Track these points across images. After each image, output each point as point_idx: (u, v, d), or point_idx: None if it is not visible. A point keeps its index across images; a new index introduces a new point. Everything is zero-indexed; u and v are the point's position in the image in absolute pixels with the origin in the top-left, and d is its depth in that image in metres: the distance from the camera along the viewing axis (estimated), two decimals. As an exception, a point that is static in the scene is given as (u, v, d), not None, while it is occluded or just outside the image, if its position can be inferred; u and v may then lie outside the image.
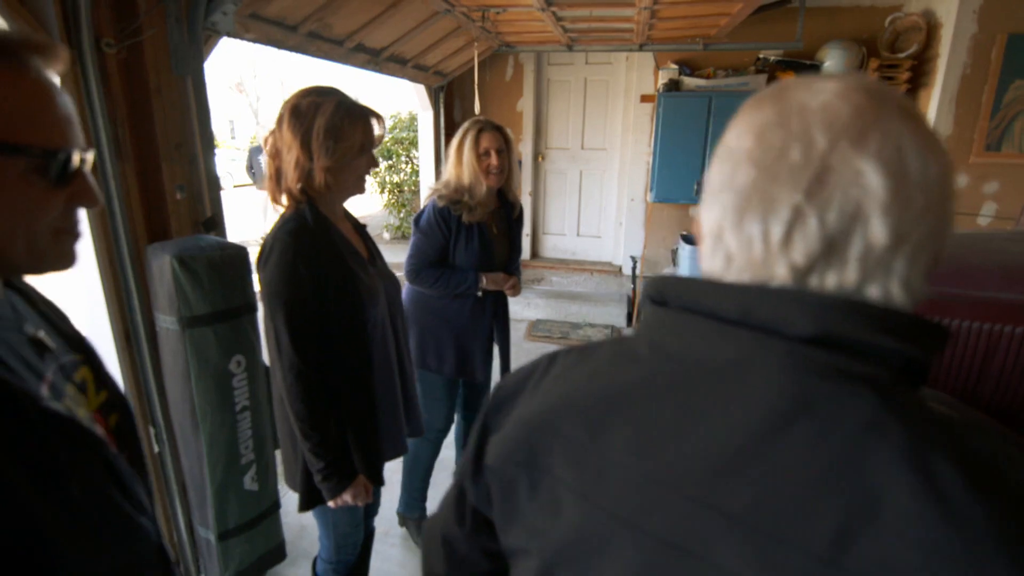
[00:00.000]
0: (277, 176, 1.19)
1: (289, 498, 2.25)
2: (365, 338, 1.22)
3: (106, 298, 1.63)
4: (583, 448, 0.43)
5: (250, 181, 7.96)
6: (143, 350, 1.67)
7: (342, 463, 1.20)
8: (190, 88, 1.84)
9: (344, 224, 1.32)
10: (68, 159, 0.52)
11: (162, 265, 1.53)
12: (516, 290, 2.03)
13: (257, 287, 1.25)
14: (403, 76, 3.67)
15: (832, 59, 3.89)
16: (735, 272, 0.42)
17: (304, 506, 1.28)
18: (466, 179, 1.89)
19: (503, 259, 2.02)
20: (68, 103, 0.54)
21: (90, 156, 0.56)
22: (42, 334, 0.58)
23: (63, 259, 0.55)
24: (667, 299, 0.45)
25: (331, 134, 1.14)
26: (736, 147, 0.42)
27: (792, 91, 0.42)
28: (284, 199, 1.21)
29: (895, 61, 3.76)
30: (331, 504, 1.23)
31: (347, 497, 1.22)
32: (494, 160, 1.88)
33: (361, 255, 1.29)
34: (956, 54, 3.47)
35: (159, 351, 1.64)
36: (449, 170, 1.94)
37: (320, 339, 1.15)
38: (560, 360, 0.52)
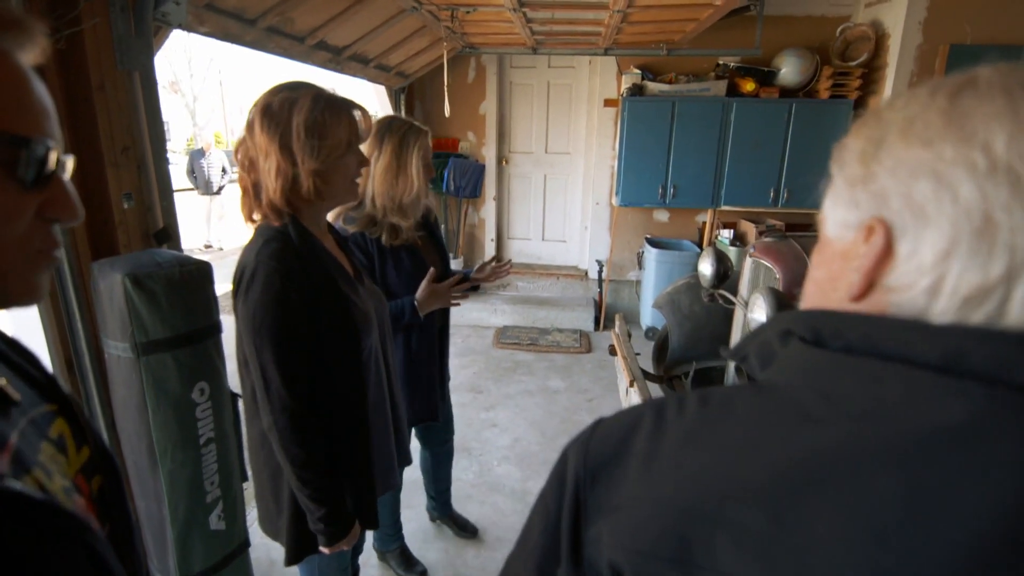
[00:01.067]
0: (255, 190, 1.04)
1: (258, 533, 2.08)
2: (360, 369, 1.09)
3: (43, 323, 1.44)
4: (765, 538, 0.34)
5: (190, 186, 7.50)
6: (89, 381, 1.48)
7: (342, 508, 1.07)
8: (138, 85, 1.65)
9: (328, 239, 1.19)
10: (45, 154, 0.41)
11: (112, 285, 1.35)
12: (499, 274, 1.80)
13: (223, 317, 1.10)
14: (364, 76, 3.52)
15: (788, 66, 4.01)
16: (944, 310, 0.34)
17: (292, 559, 1.15)
18: (406, 196, 1.59)
19: (440, 274, 1.74)
20: (45, 92, 0.42)
21: (70, 160, 0.44)
22: (3, 382, 0.45)
23: (30, 290, 0.43)
24: (824, 339, 0.37)
25: (313, 131, 1.00)
26: (952, 157, 0.33)
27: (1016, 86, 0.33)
28: (258, 216, 1.07)
29: (847, 69, 3.90)
30: (326, 551, 1.11)
31: (343, 544, 1.09)
32: (431, 171, 1.65)
33: (349, 274, 1.16)
34: (903, 63, 3.64)
35: (108, 382, 1.45)
36: (373, 186, 1.59)
37: (313, 374, 1.01)
38: (675, 416, 0.42)
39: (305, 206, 1.06)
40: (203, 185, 7.38)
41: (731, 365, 2.43)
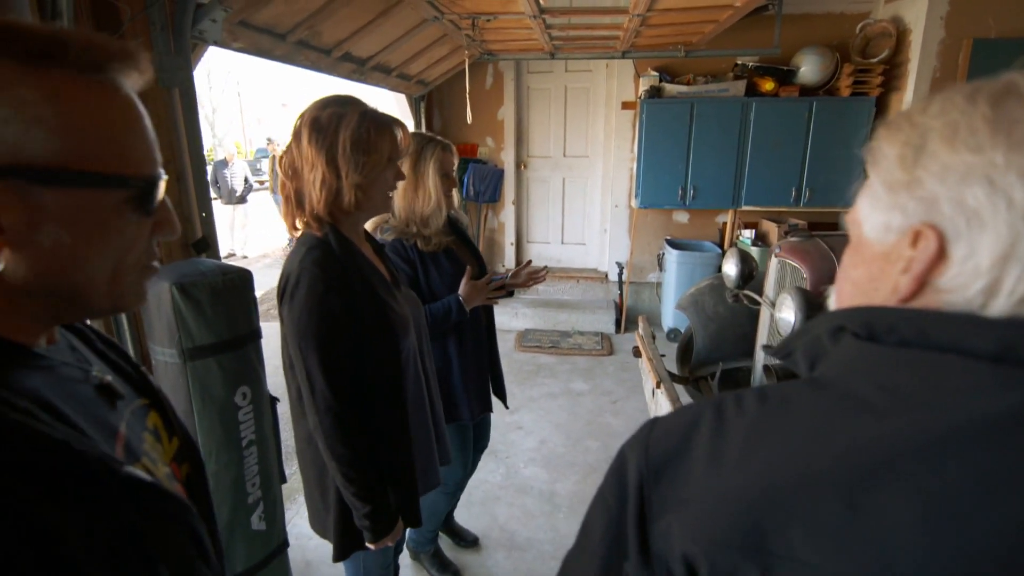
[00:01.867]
0: (297, 198, 1.09)
1: (295, 534, 2.13)
2: (399, 371, 1.13)
3: (94, 330, 1.49)
4: (840, 525, 0.35)
5: (214, 196, 7.69)
6: (137, 386, 1.53)
7: (386, 505, 1.10)
8: (177, 101, 1.71)
9: (366, 247, 1.23)
10: (157, 187, 0.46)
11: (159, 293, 1.40)
12: (534, 279, 1.83)
13: (269, 322, 1.14)
14: (386, 86, 3.58)
15: (808, 64, 3.98)
16: (1000, 309, 0.36)
17: (340, 555, 1.18)
18: (425, 208, 1.63)
19: (477, 272, 1.80)
20: (150, 122, 0.45)
21: (165, 179, 0.48)
22: (110, 379, 0.50)
23: (139, 297, 0.48)
24: (877, 334, 0.39)
25: (359, 147, 1.04)
26: (1004, 163, 0.35)
27: None
28: (300, 224, 1.11)
29: (867, 66, 3.86)
30: (372, 547, 1.14)
31: (387, 540, 1.13)
32: (452, 183, 1.69)
33: (387, 280, 1.20)
34: (926, 59, 3.59)
35: (156, 386, 1.51)
36: (396, 198, 1.63)
37: (355, 377, 1.05)
38: (735, 413, 0.43)
39: (344, 216, 1.10)
40: (227, 195, 7.53)
41: (758, 365, 2.42)
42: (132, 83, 0.45)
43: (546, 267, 1.91)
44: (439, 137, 1.72)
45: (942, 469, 0.34)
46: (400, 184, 1.62)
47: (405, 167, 1.63)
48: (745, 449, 0.41)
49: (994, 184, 0.35)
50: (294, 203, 1.08)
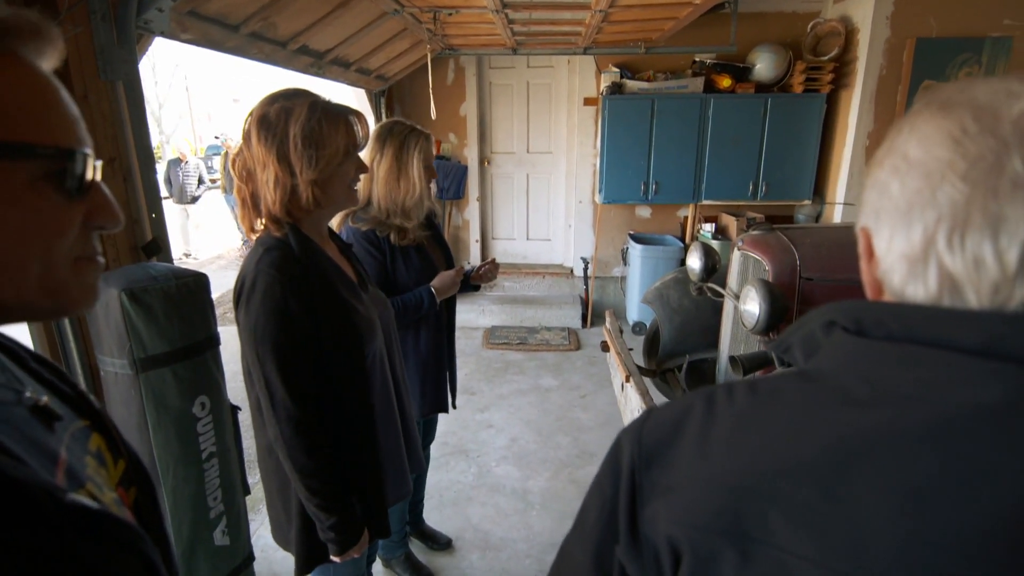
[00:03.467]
0: (253, 201, 1.03)
1: (260, 547, 2.05)
2: (365, 376, 1.09)
3: (34, 342, 1.39)
4: (817, 511, 0.37)
5: (167, 195, 7.37)
6: (84, 399, 1.44)
7: (352, 516, 1.06)
8: (122, 95, 1.61)
9: (330, 246, 1.18)
10: (86, 163, 0.41)
11: (107, 301, 1.31)
12: (491, 273, 1.84)
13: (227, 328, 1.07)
14: (345, 80, 3.48)
15: (762, 62, 4.08)
16: (966, 296, 0.37)
17: (303, 569, 1.13)
18: (409, 199, 1.62)
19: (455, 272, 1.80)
20: (71, 100, 0.42)
21: (100, 164, 0.44)
22: (46, 399, 0.45)
23: (86, 295, 0.44)
24: (866, 328, 0.40)
25: (310, 141, 0.99)
26: (924, 159, 0.39)
27: (975, 95, 0.38)
28: (259, 225, 1.06)
29: (818, 63, 3.99)
30: (337, 560, 1.10)
31: (353, 552, 1.08)
32: (433, 174, 1.69)
33: (352, 281, 1.16)
34: (873, 57, 3.73)
35: (105, 399, 1.42)
36: (377, 189, 1.63)
37: (317, 383, 1.00)
38: (725, 403, 0.44)
39: (304, 215, 1.05)
40: (178, 193, 7.22)
41: (723, 356, 2.47)
42: (45, 58, 0.42)
43: (493, 258, 1.91)
44: (420, 127, 1.70)
45: (921, 461, 0.34)
46: (382, 174, 1.64)
47: (388, 157, 1.62)
48: (732, 438, 0.42)
49: (910, 177, 0.39)
50: (250, 206, 1.02)
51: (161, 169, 7.51)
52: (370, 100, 4.14)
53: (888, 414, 0.36)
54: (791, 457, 0.39)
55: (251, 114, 1.02)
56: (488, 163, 5.04)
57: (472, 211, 5.04)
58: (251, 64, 2.51)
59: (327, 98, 1.07)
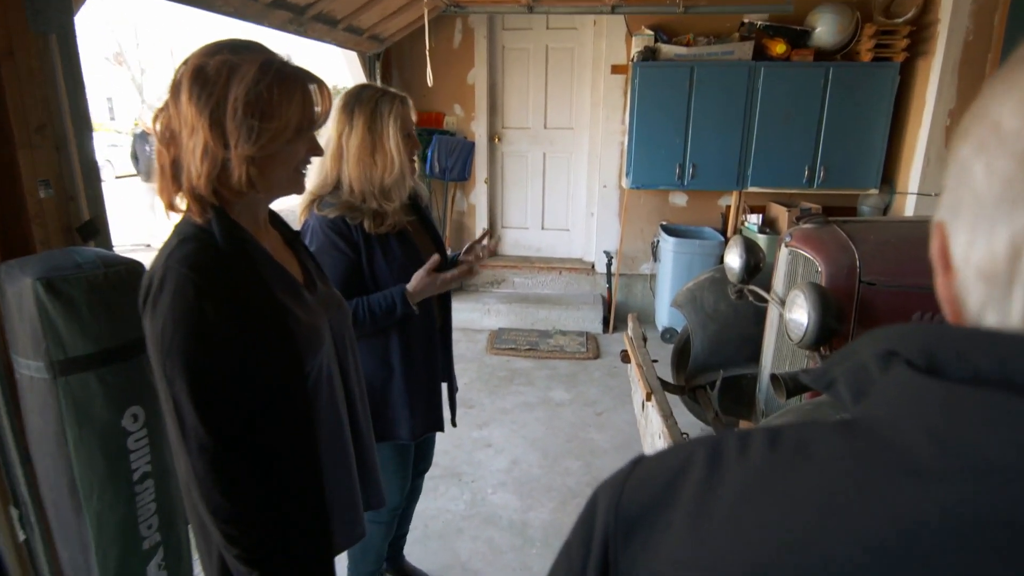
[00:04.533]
0: (173, 169, 0.96)
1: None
2: (305, 397, 1.02)
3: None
4: None
5: (135, 172, 7.42)
6: (-3, 406, 1.40)
7: (281, 571, 0.98)
8: (55, 50, 1.57)
9: (269, 236, 1.11)
10: None
11: (21, 291, 1.27)
12: (470, 271, 1.73)
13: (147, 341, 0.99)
14: (331, 41, 3.44)
15: (823, 25, 3.95)
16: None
17: None
18: (387, 176, 1.57)
19: (443, 267, 1.71)
20: None
21: None
22: None
23: None
24: (940, 364, 0.32)
25: (255, 108, 0.92)
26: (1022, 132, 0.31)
27: None
28: (182, 202, 0.98)
29: (891, 27, 3.85)
30: None
31: None
32: (415, 144, 1.62)
33: (294, 280, 1.08)
34: (958, 19, 3.57)
35: (20, 407, 1.38)
36: (348, 169, 1.57)
37: (241, 407, 0.93)
38: (735, 459, 0.38)
39: (235, 198, 0.99)
40: (146, 171, 7.27)
41: (764, 373, 2.37)
42: None
43: (486, 230, 1.83)
44: (393, 89, 1.63)
45: (993, 564, 0.27)
46: (354, 150, 1.57)
47: (358, 127, 1.55)
48: (740, 509, 0.36)
49: (1003, 159, 0.32)
50: (169, 176, 0.95)
51: (128, 143, 7.59)
52: (363, 65, 4.11)
53: (963, 492, 0.29)
54: (817, 551, 0.31)
55: (185, 63, 0.95)
56: (499, 140, 5.00)
57: (479, 194, 5.00)
58: (237, 22, 2.46)
59: (286, 57, 1.00)
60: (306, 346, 1.01)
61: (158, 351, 0.89)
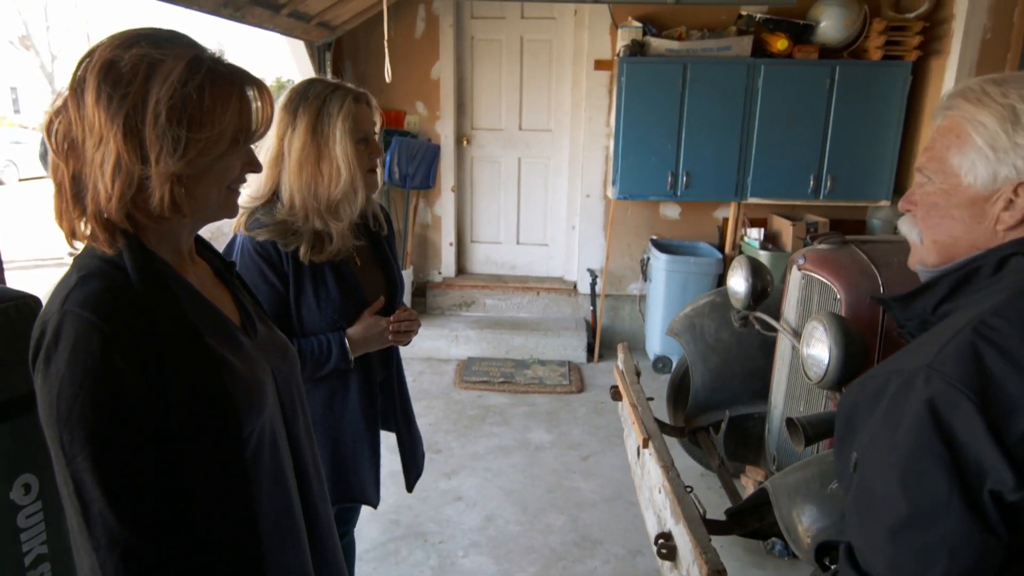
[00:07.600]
0: (74, 188, 0.87)
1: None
2: (244, 471, 0.94)
3: None
4: None
5: (45, 173, 7.23)
6: None
7: None
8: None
9: (196, 268, 1.03)
10: None
11: None
12: (409, 333, 1.63)
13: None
14: (274, 28, 3.41)
15: (829, 19, 4.04)
16: None
17: None
18: (333, 189, 1.48)
19: (388, 303, 1.65)
20: None
21: None
22: None
23: None
24: None
25: (181, 115, 0.85)
26: None
27: None
28: (87, 228, 0.89)
29: (902, 23, 3.95)
30: None
31: None
32: (375, 150, 1.55)
33: (229, 321, 1.00)
34: (974, 15, 3.67)
35: None
36: (288, 178, 1.49)
37: (162, 488, 0.85)
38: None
39: (154, 223, 0.90)
40: (59, 174, 7.10)
41: (774, 414, 2.34)
42: None
43: (408, 309, 1.68)
44: (350, 84, 1.55)
45: None
46: (295, 155, 1.48)
47: (301, 129, 1.46)
48: None
49: None
50: (70, 196, 0.86)
51: (36, 140, 7.38)
52: (311, 56, 4.08)
53: None
54: None
55: (91, 55, 0.87)
56: (467, 142, 5.01)
57: (445, 205, 4.99)
58: (165, 5, 2.36)
59: (218, 53, 0.93)
60: (245, 405, 0.93)
61: (54, 420, 0.80)
